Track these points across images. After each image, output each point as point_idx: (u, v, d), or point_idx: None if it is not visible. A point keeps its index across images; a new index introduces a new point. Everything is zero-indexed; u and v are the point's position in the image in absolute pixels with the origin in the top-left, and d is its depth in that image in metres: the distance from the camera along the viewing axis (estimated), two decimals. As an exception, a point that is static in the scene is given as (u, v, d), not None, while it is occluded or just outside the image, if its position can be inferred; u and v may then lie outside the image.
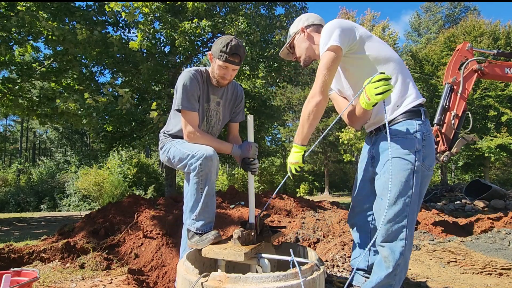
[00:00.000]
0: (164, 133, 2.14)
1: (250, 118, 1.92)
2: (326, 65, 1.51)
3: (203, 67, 2.03)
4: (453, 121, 4.89)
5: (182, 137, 2.03)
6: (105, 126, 8.81)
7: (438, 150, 4.83)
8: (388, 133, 1.49)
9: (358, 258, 1.91)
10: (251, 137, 1.94)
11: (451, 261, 3.01)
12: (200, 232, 1.81)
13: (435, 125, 4.96)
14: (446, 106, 4.89)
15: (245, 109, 11.11)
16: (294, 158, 1.64)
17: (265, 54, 8.49)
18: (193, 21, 7.58)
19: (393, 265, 1.53)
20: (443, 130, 4.93)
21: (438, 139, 4.90)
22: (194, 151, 1.81)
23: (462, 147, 5.27)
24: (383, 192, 1.58)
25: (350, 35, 1.57)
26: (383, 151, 1.62)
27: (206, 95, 2.01)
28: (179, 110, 1.92)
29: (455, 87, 4.93)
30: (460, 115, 4.93)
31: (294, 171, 1.66)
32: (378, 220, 1.63)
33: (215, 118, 2.11)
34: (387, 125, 1.50)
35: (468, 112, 5.02)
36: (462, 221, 5.39)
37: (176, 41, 7.59)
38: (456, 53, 5.10)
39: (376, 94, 1.39)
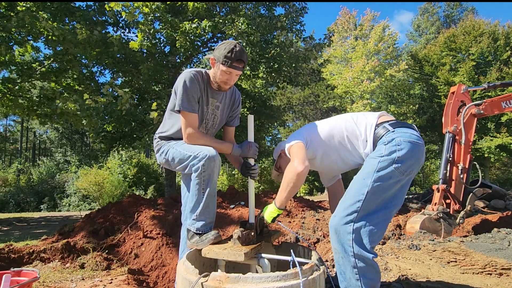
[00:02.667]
0: (160, 135, 2.09)
1: (250, 118, 1.92)
2: (297, 149, 1.80)
3: (203, 69, 2.01)
4: (461, 176, 4.58)
5: (178, 138, 2.00)
6: (105, 126, 8.80)
7: (451, 212, 4.53)
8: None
9: None
10: (251, 137, 1.94)
11: (451, 261, 3.01)
12: (200, 232, 1.80)
13: (440, 181, 4.63)
14: (450, 159, 4.62)
15: (245, 109, 11.11)
16: (268, 216, 1.89)
17: (265, 55, 8.48)
18: (194, 21, 7.58)
19: (341, 257, 1.60)
20: (452, 189, 4.62)
21: (448, 201, 4.62)
22: (196, 152, 1.80)
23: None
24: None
25: (304, 136, 1.89)
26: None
27: (205, 98, 1.98)
28: (178, 111, 1.90)
29: (457, 137, 4.67)
30: (467, 167, 4.63)
31: (269, 221, 1.91)
32: (334, 213, 1.71)
33: (212, 122, 2.09)
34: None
35: (475, 162, 4.74)
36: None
37: (177, 42, 7.59)
38: (452, 97, 4.82)
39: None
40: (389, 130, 1.70)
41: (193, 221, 1.82)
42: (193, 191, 1.82)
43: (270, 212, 1.88)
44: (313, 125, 1.96)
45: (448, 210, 4.51)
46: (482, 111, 4.72)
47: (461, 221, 4.53)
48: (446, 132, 4.72)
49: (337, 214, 1.65)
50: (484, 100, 4.84)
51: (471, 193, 4.69)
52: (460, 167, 4.60)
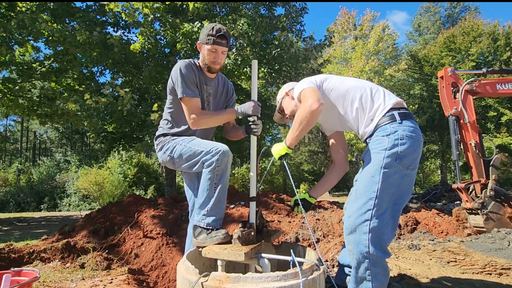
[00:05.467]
0: (166, 131, 2.06)
1: (254, 63, 1.92)
2: (311, 91, 1.72)
3: (194, 59, 2.07)
4: (477, 152, 4.84)
5: (189, 135, 2.00)
6: (106, 126, 8.79)
7: (480, 194, 4.71)
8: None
9: (344, 254, 1.96)
10: (255, 84, 1.92)
11: (451, 261, 3.01)
12: (211, 228, 1.79)
13: (458, 179, 4.90)
14: (459, 139, 4.86)
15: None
16: (276, 152, 1.83)
17: (266, 56, 8.47)
18: (194, 23, 7.57)
19: (357, 258, 1.57)
20: (472, 165, 4.87)
21: (472, 188, 4.82)
22: (209, 148, 1.80)
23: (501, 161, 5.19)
24: (354, 188, 1.71)
25: (315, 82, 1.84)
26: (364, 154, 1.78)
27: (199, 84, 2.02)
28: (181, 99, 1.94)
29: (461, 120, 4.90)
30: (479, 141, 4.89)
31: (276, 158, 1.85)
32: (346, 214, 1.69)
33: (206, 108, 2.10)
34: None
35: (485, 134, 5.01)
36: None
37: (178, 45, 7.58)
38: (442, 81, 5.08)
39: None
40: (396, 121, 1.66)
41: (203, 216, 1.80)
42: (204, 186, 1.80)
43: (278, 149, 1.81)
44: (331, 79, 1.88)
45: (481, 201, 4.67)
46: (475, 88, 4.94)
47: (491, 193, 4.71)
48: (449, 116, 4.93)
49: (351, 214, 1.62)
50: (478, 78, 5.03)
51: (491, 165, 4.88)
52: (473, 144, 4.82)
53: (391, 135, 1.62)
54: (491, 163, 4.89)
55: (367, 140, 1.79)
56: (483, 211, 4.61)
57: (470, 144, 4.83)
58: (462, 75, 5.34)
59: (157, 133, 2.12)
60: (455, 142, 4.87)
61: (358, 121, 1.80)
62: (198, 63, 2.05)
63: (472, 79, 4.99)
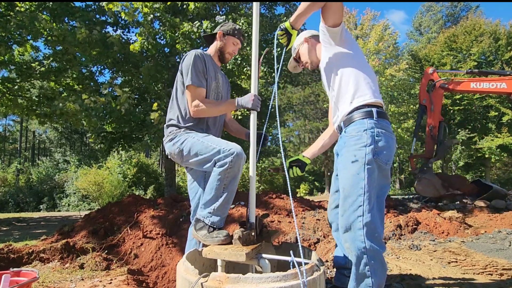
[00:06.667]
0: (180, 124, 1.98)
1: (256, 5, 1.91)
2: None
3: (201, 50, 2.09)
4: (431, 133, 6.33)
5: (199, 128, 1.98)
6: (105, 126, 8.77)
7: (425, 158, 6.61)
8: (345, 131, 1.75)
9: (339, 255, 1.97)
10: (256, 27, 1.88)
11: (452, 262, 3.00)
12: (215, 226, 1.77)
13: (414, 139, 6.82)
14: (421, 124, 6.48)
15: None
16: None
17: (266, 55, 8.44)
18: (194, 22, 7.55)
19: (356, 254, 1.60)
20: (426, 143, 6.57)
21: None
22: (223, 146, 1.75)
23: (457, 146, 7.25)
24: (340, 186, 1.73)
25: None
26: (341, 148, 1.80)
27: (211, 73, 2.04)
28: (187, 86, 1.94)
29: (428, 108, 6.43)
30: (437, 126, 6.33)
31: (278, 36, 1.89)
32: (339, 213, 1.72)
33: (224, 95, 2.17)
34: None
35: (444, 122, 6.41)
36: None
37: (177, 45, 7.57)
38: (422, 78, 6.62)
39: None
40: (372, 117, 1.68)
41: (209, 214, 1.77)
42: (212, 185, 1.75)
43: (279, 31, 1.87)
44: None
45: (419, 168, 6.65)
46: (446, 85, 6.42)
47: (430, 165, 6.53)
48: (420, 104, 6.63)
49: (344, 213, 1.65)
50: (452, 77, 6.51)
51: (440, 145, 6.45)
52: (430, 128, 6.44)
53: (368, 131, 1.65)
54: (444, 142, 6.42)
55: (342, 130, 1.79)
56: (419, 176, 6.40)
57: (428, 127, 6.40)
58: (450, 75, 7.13)
59: (169, 123, 2.04)
60: (417, 125, 6.72)
61: (341, 96, 1.79)
62: (208, 54, 2.10)
63: (446, 77, 6.51)
